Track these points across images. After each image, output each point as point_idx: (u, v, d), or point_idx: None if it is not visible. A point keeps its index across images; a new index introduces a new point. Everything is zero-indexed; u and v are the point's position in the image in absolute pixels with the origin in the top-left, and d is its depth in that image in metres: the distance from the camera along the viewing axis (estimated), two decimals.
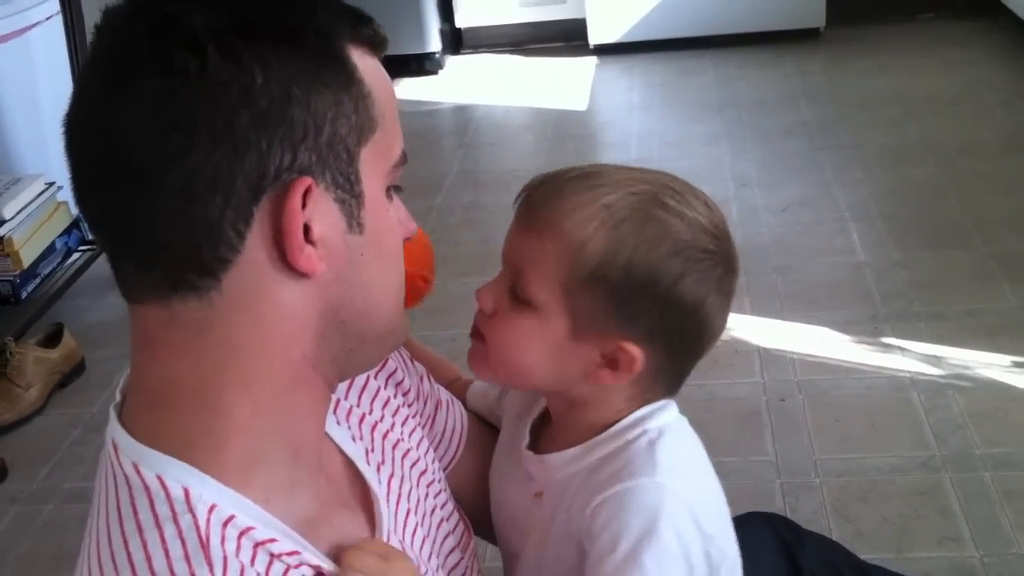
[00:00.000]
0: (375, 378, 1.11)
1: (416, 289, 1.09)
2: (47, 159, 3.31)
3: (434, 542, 1.09)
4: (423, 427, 1.17)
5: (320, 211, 0.82)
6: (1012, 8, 4.87)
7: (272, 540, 0.82)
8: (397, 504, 1.03)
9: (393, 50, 0.91)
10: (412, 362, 1.19)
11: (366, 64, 0.86)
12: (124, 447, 0.84)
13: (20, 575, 2.35)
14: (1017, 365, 2.65)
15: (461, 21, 5.67)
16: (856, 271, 3.19)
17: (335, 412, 1.03)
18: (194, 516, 0.79)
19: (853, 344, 2.82)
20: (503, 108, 5.02)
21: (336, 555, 0.89)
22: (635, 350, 1.02)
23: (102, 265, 3.15)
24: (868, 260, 3.24)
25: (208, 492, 0.81)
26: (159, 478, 0.81)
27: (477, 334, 1.07)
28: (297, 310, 0.84)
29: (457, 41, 5.76)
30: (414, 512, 1.06)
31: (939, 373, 2.65)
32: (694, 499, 1.01)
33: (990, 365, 2.65)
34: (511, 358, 1.05)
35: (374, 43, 0.88)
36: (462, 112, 5.02)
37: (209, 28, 0.78)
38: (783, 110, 4.52)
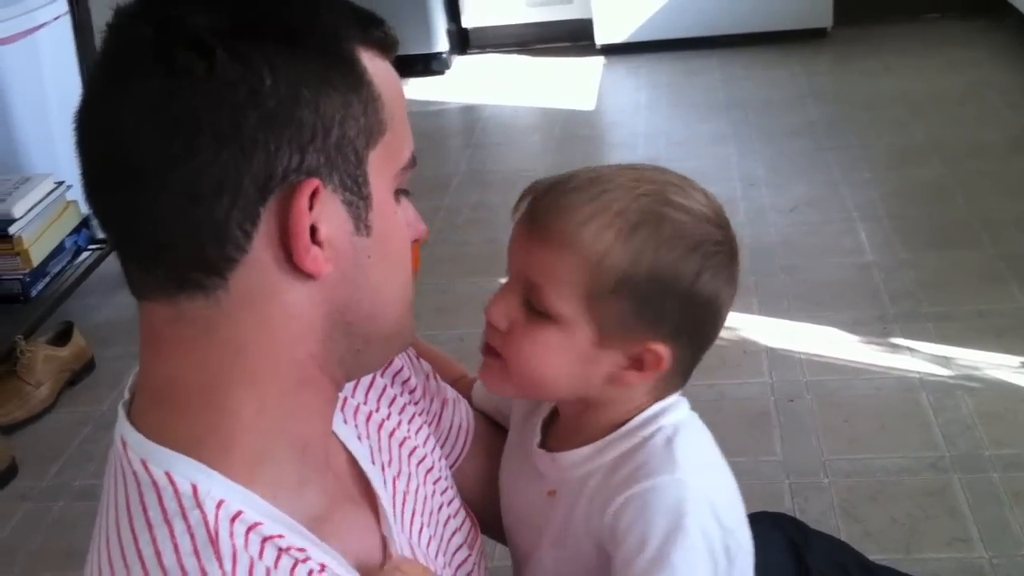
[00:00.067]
0: (382, 376, 1.12)
1: None
2: (56, 159, 3.31)
3: (441, 539, 1.09)
4: (429, 425, 1.18)
5: (327, 212, 0.82)
6: (1019, 8, 4.86)
7: (279, 536, 0.83)
8: (403, 503, 1.03)
9: (400, 50, 0.91)
10: (418, 360, 1.20)
11: (376, 66, 0.86)
12: (133, 444, 0.84)
13: (30, 572, 2.35)
14: None
15: (468, 21, 5.66)
16: (864, 271, 3.19)
17: (342, 410, 1.03)
18: (203, 512, 0.80)
19: (861, 344, 2.81)
20: (510, 108, 5.02)
21: (344, 552, 0.89)
22: (662, 349, 1.03)
23: (111, 264, 3.16)
24: (876, 260, 3.23)
25: (216, 488, 0.81)
26: (167, 474, 0.81)
27: (491, 351, 1.07)
28: (303, 311, 0.84)
29: (464, 41, 5.76)
30: (420, 511, 1.06)
31: (948, 374, 2.64)
32: (713, 494, 1.02)
33: (999, 366, 2.65)
34: (535, 372, 1.05)
35: (385, 45, 0.88)
36: (469, 112, 5.02)
37: (217, 29, 0.78)
38: (790, 110, 4.52)
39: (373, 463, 1.02)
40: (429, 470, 1.11)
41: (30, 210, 3.07)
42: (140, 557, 0.79)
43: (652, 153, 4.17)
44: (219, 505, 0.81)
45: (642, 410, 1.07)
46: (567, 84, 5.17)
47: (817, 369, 2.73)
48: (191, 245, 0.80)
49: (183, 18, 0.78)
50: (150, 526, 0.80)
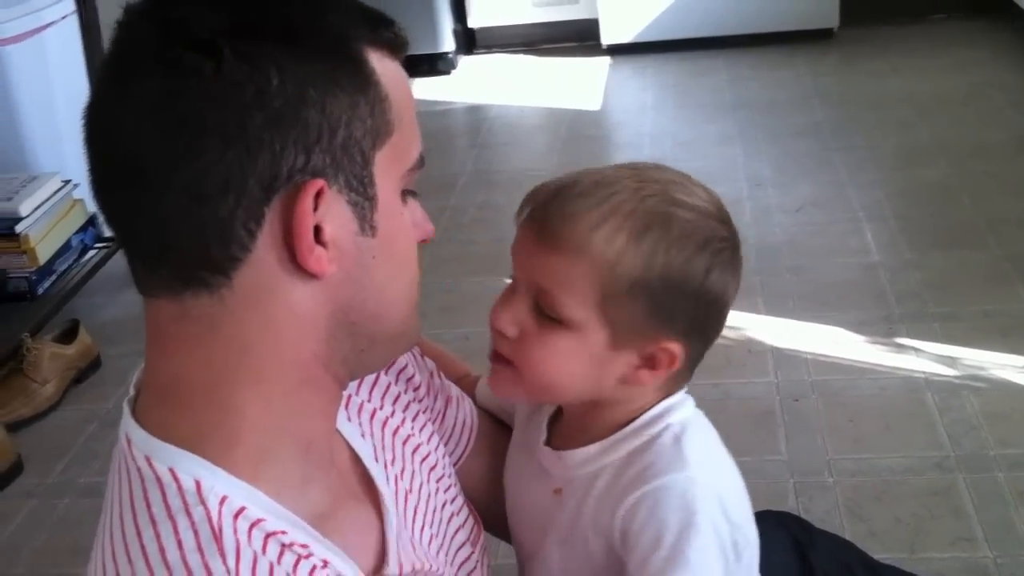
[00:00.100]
0: (386, 374, 1.12)
1: None
2: (63, 157, 3.32)
3: (443, 537, 1.09)
4: (434, 422, 1.18)
5: (332, 213, 0.82)
6: None
7: (282, 532, 0.83)
8: (406, 500, 1.03)
9: None
10: (423, 358, 1.20)
11: (385, 67, 0.86)
12: (137, 441, 0.84)
13: (35, 569, 2.36)
14: None
15: (474, 21, 5.67)
16: (870, 271, 3.19)
17: (346, 407, 1.03)
18: (206, 508, 0.80)
19: (867, 344, 2.81)
20: (516, 108, 5.02)
21: (347, 548, 0.89)
22: (676, 347, 1.04)
23: (118, 262, 3.17)
24: (882, 260, 3.23)
25: (220, 484, 0.81)
26: (171, 471, 0.81)
27: (500, 359, 1.07)
28: (307, 310, 0.84)
29: (470, 41, 5.76)
30: (423, 508, 1.06)
31: (953, 374, 2.64)
32: (722, 490, 1.02)
33: (1004, 366, 2.65)
34: (549, 377, 1.05)
35: (394, 46, 0.88)
36: (475, 112, 5.02)
37: (224, 29, 0.78)
38: (796, 111, 4.51)
39: (376, 460, 1.02)
40: (432, 468, 1.11)
41: (37, 208, 3.08)
42: (144, 553, 0.79)
43: (658, 153, 4.16)
44: (222, 501, 0.81)
45: (649, 408, 1.08)
46: (573, 84, 5.17)
47: (822, 369, 2.72)
48: (196, 244, 0.80)
49: (190, 18, 0.79)
50: (154, 522, 0.80)
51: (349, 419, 1.03)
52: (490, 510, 1.22)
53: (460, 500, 1.15)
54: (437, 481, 1.11)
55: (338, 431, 1.00)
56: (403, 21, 0.91)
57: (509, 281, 1.08)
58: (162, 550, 0.78)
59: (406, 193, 0.91)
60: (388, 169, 0.86)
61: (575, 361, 1.03)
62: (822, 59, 5.10)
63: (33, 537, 2.45)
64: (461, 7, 5.60)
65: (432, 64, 5.36)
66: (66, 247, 3.22)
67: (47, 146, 3.37)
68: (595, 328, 1.02)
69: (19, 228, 3.02)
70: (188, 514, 0.80)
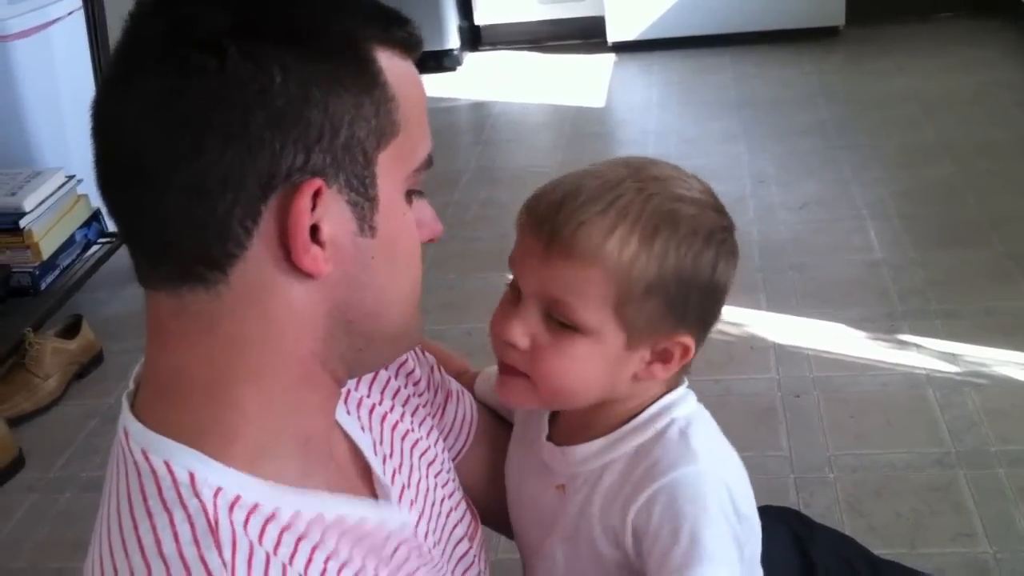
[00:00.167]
0: (386, 369, 1.11)
1: None
2: (67, 153, 3.32)
3: (441, 532, 1.09)
4: (433, 417, 1.18)
5: (331, 213, 0.82)
6: None
7: (279, 513, 0.83)
8: (401, 495, 1.03)
9: None
10: (423, 353, 1.20)
11: (395, 66, 0.85)
12: (134, 434, 0.85)
13: (36, 563, 2.36)
14: None
15: (480, 18, 5.67)
16: (873, 269, 3.18)
17: (345, 402, 1.03)
18: (201, 501, 0.80)
19: (869, 341, 2.81)
20: (521, 105, 5.02)
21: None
22: (689, 340, 1.05)
23: (121, 258, 3.17)
24: (885, 258, 3.23)
25: (213, 476, 0.81)
26: (166, 463, 0.82)
27: (511, 370, 1.06)
28: (304, 308, 0.84)
29: (476, 38, 5.77)
30: (421, 503, 1.06)
31: (955, 370, 2.64)
32: (730, 481, 1.03)
33: (1006, 363, 2.65)
34: (566, 384, 1.05)
35: (407, 45, 0.87)
36: (480, 109, 5.02)
37: (231, 28, 0.78)
38: (801, 109, 4.51)
39: (376, 454, 1.02)
40: (431, 463, 1.11)
41: (41, 204, 3.08)
42: (140, 546, 0.79)
43: (662, 151, 4.16)
44: (217, 493, 0.81)
45: (652, 402, 1.09)
46: (578, 81, 5.17)
47: (824, 365, 2.72)
48: (195, 241, 0.80)
49: (197, 16, 0.79)
50: (150, 515, 0.80)
51: (348, 413, 1.03)
52: (491, 505, 1.22)
53: (458, 496, 1.15)
54: (435, 476, 1.11)
55: (338, 424, 1.00)
56: (409, 17, 0.90)
57: (506, 289, 1.08)
58: (158, 543, 0.78)
59: (412, 193, 0.90)
60: (392, 169, 0.85)
61: (592, 366, 1.04)
62: (827, 57, 5.10)
63: (34, 531, 2.45)
64: (467, 4, 5.61)
65: (437, 60, 5.36)
66: (70, 242, 3.22)
67: (52, 141, 3.37)
68: (611, 331, 1.02)
69: (23, 223, 3.02)
70: (184, 507, 0.80)
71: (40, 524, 2.47)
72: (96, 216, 3.32)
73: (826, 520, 1.63)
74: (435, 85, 5.19)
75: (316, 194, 0.80)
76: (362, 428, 1.04)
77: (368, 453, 1.01)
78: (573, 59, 5.48)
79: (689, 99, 4.87)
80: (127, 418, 0.86)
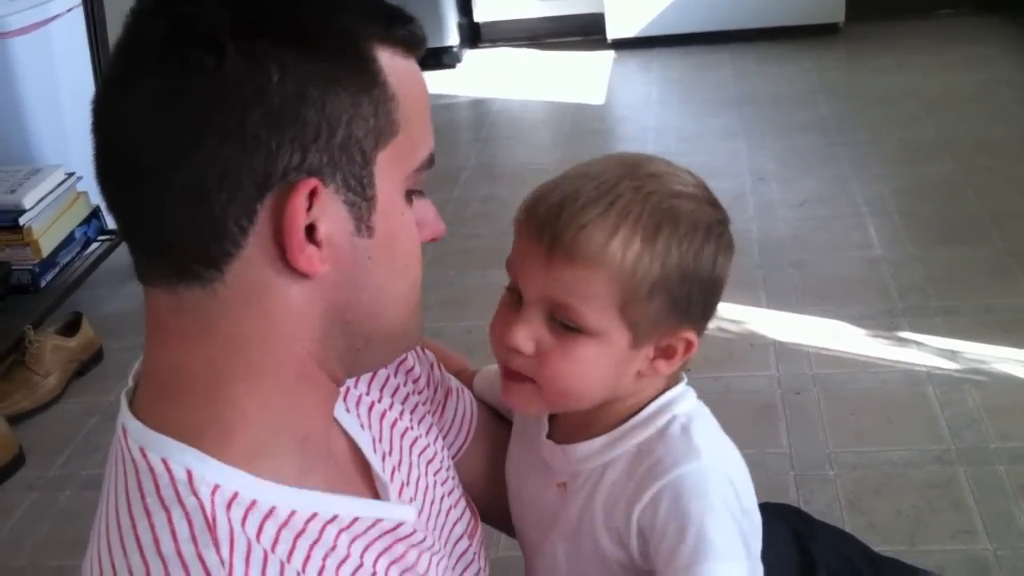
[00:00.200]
0: (386, 367, 1.12)
1: None
2: (67, 150, 3.32)
3: (441, 529, 1.09)
4: (433, 414, 1.18)
5: (328, 212, 0.81)
6: None
7: (277, 510, 0.83)
8: (400, 492, 1.03)
9: None
10: (423, 350, 1.20)
11: (396, 65, 0.85)
12: (132, 431, 0.85)
13: (37, 561, 2.36)
14: None
15: (479, 15, 5.67)
16: (873, 266, 3.18)
17: (344, 399, 1.03)
18: (198, 498, 0.80)
19: (869, 338, 2.81)
20: (520, 102, 5.02)
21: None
22: (692, 335, 1.06)
23: (121, 255, 3.17)
24: (885, 255, 3.23)
25: (210, 473, 0.81)
26: (164, 461, 0.82)
27: (516, 376, 1.06)
28: (300, 308, 0.84)
29: (475, 35, 5.76)
30: (421, 501, 1.06)
31: (955, 367, 2.64)
32: (733, 476, 1.04)
33: (1006, 360, 2.65)
34: (574, 387, 1.05)
35: (409, 44, 0.87)
36: (479, 106, 5.02)
37: (230, 26, 0.78)
38: (800, 106, 4.51)
39: (375, 452, 1.03)
40: (430, 461, 1.11)
41: (40, 201, 3.08)
42: (138, 544, 0.79)
43: (662, 148, 4.16)
44: (214, 491, 0.81)
45: (651, 399, 1.09)
46: (578, 78, 5.17)
47: (824, 362, 2.72)
48: (192, 239, 0.80)
49: (197, 15, 0.78)
50: (148, 513, 0.80)
51: (348, 410, 1.03)
52: (491, 503, 1.23)
53: (457, 493, 1.15)
54: (435, 474, 1.11)
55: (337, 421, 1.00)
56: (412, 15, 0.90)
57: (503, 292, 1.08)
58: (156, 541, 0.79)
59: (412, 193, 0.90)
60: (391, 169, 0.85)
61: (599, 367, 1.04)
62: (827, 54, 5.10)
63: (35, 529, 2.45)
64: (467, 1, 5.61)
65: (437, 58, 5.36)
66: (69, 240, 3.22)
67: (51, 139, 3.37)
68: (616, 332, 1.02)
69: (23, 220, 3.02)
70: (181, 504, 0.80)
71: (40, 522, 2.47)
72: (96, 213, 3.32)
73: (826, 517, 1.63)
74: (435, 82, 5.18)
75: (312, 193, 0.80)
76: (361, 426, 1.04)
77: (367, 451, 1.01)
78: (573, 56, 5.48)
79: (689, 96, 4.87)
80: (126, 416, 0.86)
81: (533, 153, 4.47)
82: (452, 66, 5.42)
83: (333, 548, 0.87)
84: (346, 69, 0.81)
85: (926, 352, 2.71)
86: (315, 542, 0.85)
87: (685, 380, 1.12)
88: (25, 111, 3.34)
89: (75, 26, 3.37)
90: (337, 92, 0.80)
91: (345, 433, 1.01)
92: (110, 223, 3.36)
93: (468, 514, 1.16)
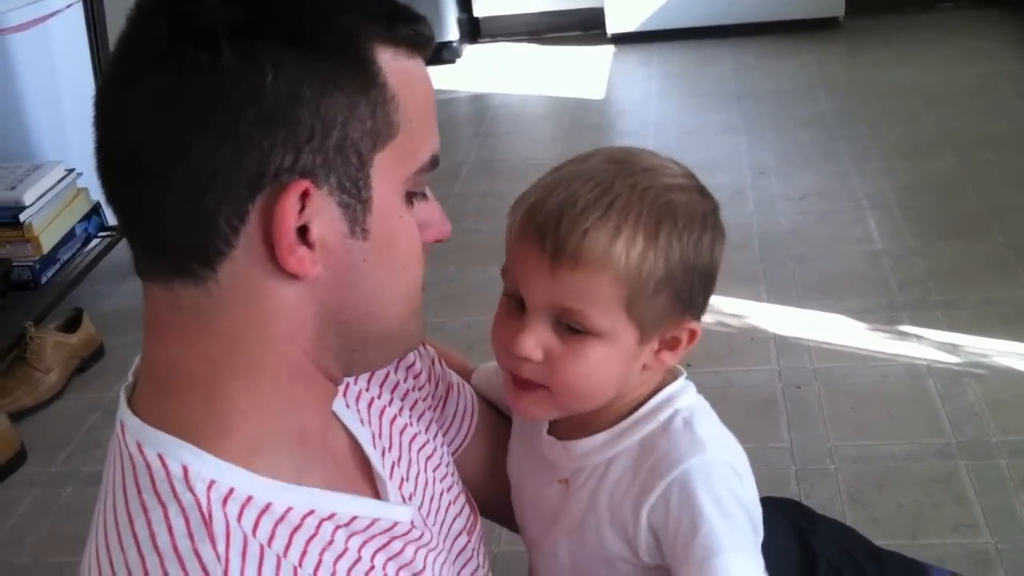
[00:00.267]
0: (385, 366, 1.11)
1: None
2: (67, 146, 3.33)
3: (441, 525, 1.09)
4: (434, 410, 1.18)
5: (321, 214, 0.81)
6: None
7: (272, 505, 0.83)
8: (400, 487, 1.03)
9: None
10: (424, 345, 1.19)
11: (398, 66, 0.84)
12: (130, 427, 0.85)
13: (39, 557, 2.36)
14: None
15: (479, 10, 5.67)
16: (873, 260, 3.18)
17: (344, 395, 1.03)
18: (194, 494, 0.80)
19: (869, 332, 2.81)
20: (520, 97, 5.02)
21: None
22: (696, 324, 1.07)
23: (121, 251, 3.17)
24: (885, 249, 3.23)
25: (206, 469, 0.82)
26: (160, 456, 0.82)
27: (527, 384, 1.06)
28: (294, 308, 0.84)
29: (475, 30, 5.76)
30: (420, 497, 1.06)
31: (955, 361, 2.64)
32: (737, 466, 1.05)
33: (1006, 353, 2.64)
34: (587, 388, 1.05)
35: (414, 43, 0.86)
36: (479, 101, 5.02)
37: (226, 24, 0.77)
38: (801, 100, 4.51)
39: (375, 447, 1.03)
40: (429, 457, 1.11)
41: (41, 197, 3.09)
42: (136, 540, 0.79)
43: (662, 143, 4.15)
44: (210, 486, 0.81)
45: (651, 393, 1.09)
46: (577, 73, 5.17)
47: (825, 356, 2.72)
48: (187, 238, 0.80)
49: (196, 14, 0.78)
50: (145, 509, 0.80)
51: (348, 406, 1.03)
52: (492, 498, 1.23)
53: (457, 490, 1.15)
54: (434, 471, 1.11)
55: (337, 417, 1.00)
56: (419, 15, 0.88)
57: (501, 299, 1.08)
58: (153, 536, 0.79)
59: (414, 195, 0.89)
60: (389, 171, 0.84)
61: (610, 366, 1.04)
62: (828, 49, 5.09)
63: (37, 526, 2.45)
64: None
65: (437, 53, 5.35)
66: (70, 236, 3.23)
67: (51, 135, 3.38)
68: (624, 330, 1.03)
69: (23, 217, 3.03)
70: (177, 500, 0.80)
71: (42, 519, 2.47)
72: (96, 210, 3.33)
73: (827, 511, 1.63)
74: (434, 77, 5.05)
75: (304, 195, 0.79)
76: (361, 422, 1.04)
77: (367, 446, 1.01)
78: (572, 51, 5.48)
79: (689, 90, 4.87)
80: (124, 412, 0.87)
81: (533, 148, 4.47)
82: (452, 61, 5.42)
83: (330, 543, 0.87)
84: (344, 70, 0.81)
85: (927, 346, 2.71)
86: (312, 537, 0.85)
87: (685, 374, 1.13)
88: (25, 107, 3.34)
89: (74, 22, 3.37)
90: (333, 93, 0.79)
91: (345, 428, 1.01)
92: (110, 219, 3.36)
93: (467, 510, 1.16)
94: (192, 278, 0.82)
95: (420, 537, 0.99)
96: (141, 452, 0.83)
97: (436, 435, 1.16)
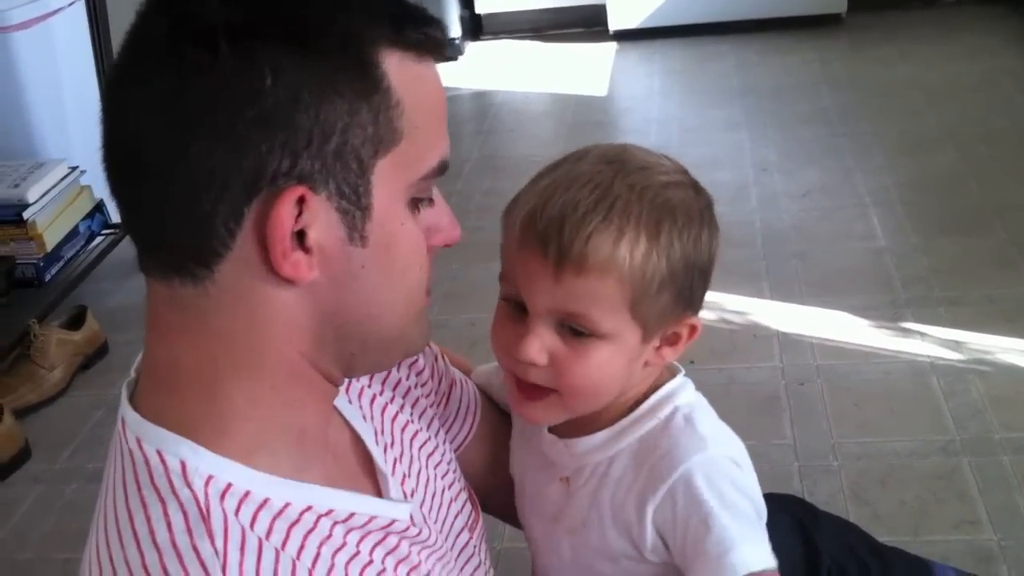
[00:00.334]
0: (386, 369, 1.11)
1: None
2: (69, 144, 3.32)
3: (442, 522, 1.09)
4: (437, 406, 1.18)
5: (319, 219, 0.80)
6: None
7: (270, 500, 0.83)
8: (402, 483, 1.04)
9: None
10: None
11: (405, 71, 0.83)
12: (130, 423, 0.85)
13: (43, 554, 2.37)
14: None
15: (481, 7, 5.66)
16: (876, 257, 3.18)
17: (347, 391, 1.03)
18: (191, 490, 0.80)
19: (872, 329, 2.81)
20: (522, 94, 5.02)
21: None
22: (696, 320, 1.07)
23: (125, 249, 3.18)
24: (888, 246, 3.23)
25: (204, 465, 0.82)
26: (159, 452, 0.82)
27: (534, 390, 1.06)
28: (290, 311, 0.84)
29: (477, 27, 5.76)
30: (422, 494, 1.07)
31: (959, 358, 2.64)
32: (738, 459, 1.06)
33: (1010, 350, 2.64)
34: (592, 389, 1.05)
35: (423, 47, 0.85)
36: (482, 98, 5.02)
37: (226, 24, 0.77)
38: (803, 97, 4.51)
39: (377, 444, 1.03)
40: (431, 454, 1.12)
41: (44, 195, 3.09)
42: (135, 537, 0.80)
43: (664, 139, 4.16)
44: (208, 482, 0.81)
45: (650, 390, 1.10)
46: (580, 70, 5.17)
47: (828, 353, 2.72)
48: (184, 237, 0.80)
49: (197, 13, 0.78)
50: (144, 505, 0.81)
51: (350, 402, 1.03)
52: (494, 494, 1.24)
53: (458, 487, 1.15)
54: (435, 467, 1.11)
55: (340, 412, 1.00)
56: (432, 17, 0.86)
57: (499, 303, 1.08)
58: (152, 532, 0.79)
59: (420, 201, 0.88)
60: (391, 178, 0.83)
61: (614, 366, 1.04)
62: (830, 45, 5.09)
63: (41, 522, 2.46)
64: None
65: None
66: (73, 233, 3.23)
67: (54, 133, 3.37)
68: (628, 330, 1.03)
69: (27, 215, 3.03)
70: (176, 496, 0.80)
71: (46, 515, 2.47)
72: (99, 207, 3.33)
73: (830, 508, 1.63)
74: None
75: (301, 200, 0.79)
76: (363, 418, 1.04)
77: (369, 442, 1.01)
78: (575, 48, 5.48)
79: (691, 87, 4.87)
80: (125, 408, 0.87)
81: (536, 145, 4.46)
82: (454, 59, 5.41)
83: (329, 536, 0.87)
84: (345, 74, 0.80)
85: (930, 343, 2.71)
86: (310, 531, 0.85)
87: (683, 371, 1.13)
88: (27, 105, 3.34)
89: (77, 20, 3.36)
90: (332, 99, 0.79)
91: (347, 424, 1.01)
92: (114, 217, 3.37)
93: (469, 507, 1.16)
94: (191, 277, 0.82)
95: (418, 535, 0.99)
96: (140, 448, 0.83)
97: (438, 432, 1.16)
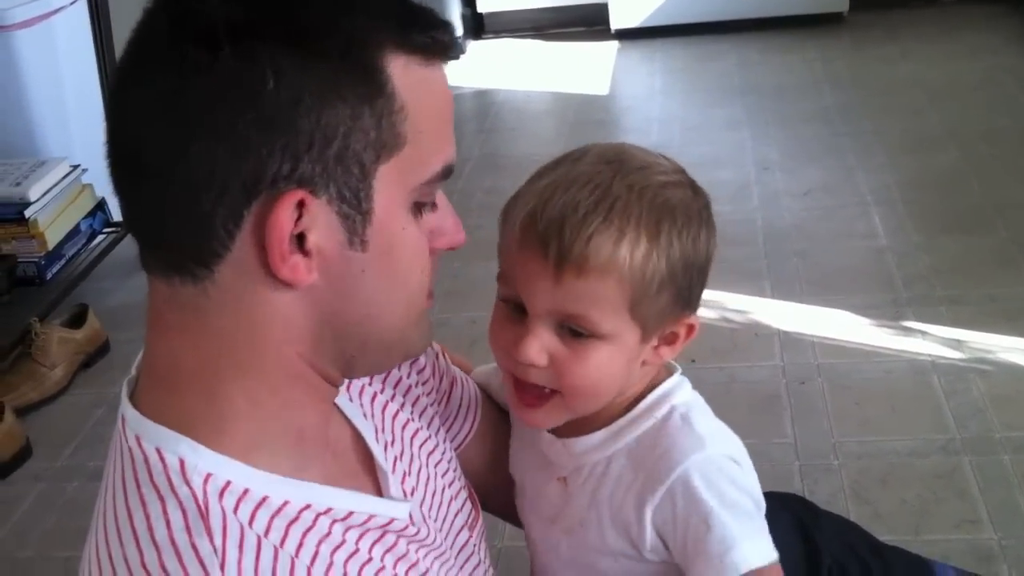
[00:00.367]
0: (385, 371, 1.11)
1: None
2: (71, 142, 3.32)
3: (442, 521, 1.09)
4: (437, 404, 1.18)
5: (318, 223, 0.80)
6: None
7: (269, 499, 0.83)
8: (403, 481, 1.04)
9: None
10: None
11: (410, 74, 0.82)
12: (130, 421, 0.85)
13: (44, 552, 2.37)
14: None
15: (483, 6, 5.67)
16: (877, 255, 3.18)
17: (347, 389, 1.03)
18: (190, 488, 0.81)
19: (874, 328, 2.81)
20: (524, 93, 5.02)
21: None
22: (694, 319, 1.07)
23: (126, 247, 3.18)
24: (889, 244, 3.22)
25: (203, 463, 0.82)
26: (158, 450, 0.82)
27: (536, 392, 1.06)
28: (289, 314, 0.84)
29: (479, 26, 5.76)
30: (422, 492, 1.07)
31: (960, 357, 2.64)
32: (736, 455, 1.06)
33: (1011, 349, 2.64)
34: (593, 389, 1.06)
35: (430, 50, 0.84)
36: (483, 97, 5.01)
37: (229, 24, 0.77)
38: (805, 95, 4.50)
39: (377, 441, 1.03)
40: (431, 453, 1.12)
41: (46, 193, 3.09)
42: (135, 535, 0.80)
43: (666, 138, 4.16)
44: (206, 480, 0.81)
45: (647, 390, 1.10)
46: (581, 69, 5.17)
47: (829, 352, 2.72)
48: (184, 237, 0.80)
49: (199, 13, 0.78)
50: (143, 503, 0.81)
51: (351, 399, 1.03)
52: (494, 494, 1.24)
53: (458, 485, 1.15)
54: (436, 466, 1.11)
55: (340, 410, 1.00)
56: (441, 20, 0.85)
57: (496, 304, 1.08)
58: (151, 530, 0.79)
59: (423, 205, 0.87)
60: (393, 183, 0.83)
61: (614, 365, 1.04)
62: (832, 44, 5.09)
63: (42, 520, 2.46)
64: None
65: None
66: (75, 232, 3.23)
67: (56, 131, 3.38)
68: (627, 330, 1.03)
69: (28, 213, 3.03)
70: (175, 493, 0.80)
71: (47, 513, 2.47)
72: (101, 206, 3.33)
73: (831, 507, 1.64)
74: None
75: (301, 204, 0.79)
76: (364, 415, 1.04)
77: (369, 440, 1.01)
78: (576, 46, 5.48)
79: (693, 86, 4.87)
80: (125, 405, 0.87)
81: (537, 144, 4.46)
82: (455, 57, 5.40)
83: (328, 534, 0.87)
84: (348, 77, 0.79)
85: (931, 341, 2.71)
86: (308, 529, 0.85)
87: (680, 370, 1.13)
88: (29, 104, 3.34)
89: (78, 19, 3.36)
90: (334, 103, 0.78)
91: (348, 422, 1.01)
92: (116, 215, 3.37)
93: (469, 506, 1.16)
94: (191, 277, 0.82)
95: (417, 534, 0.99)
96: (140, 446, 0.83)
97: (439, 431, 1.16)
